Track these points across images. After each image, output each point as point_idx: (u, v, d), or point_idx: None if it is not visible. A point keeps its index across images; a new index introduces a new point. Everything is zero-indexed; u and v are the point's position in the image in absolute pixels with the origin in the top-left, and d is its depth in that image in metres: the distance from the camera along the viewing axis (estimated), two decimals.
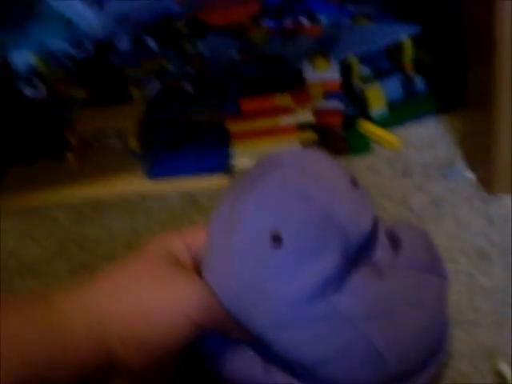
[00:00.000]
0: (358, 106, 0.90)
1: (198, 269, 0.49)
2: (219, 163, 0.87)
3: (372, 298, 0.47)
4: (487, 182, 0.75)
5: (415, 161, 0.82)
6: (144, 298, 0.44)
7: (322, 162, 0.46)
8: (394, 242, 0.52)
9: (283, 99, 0.84)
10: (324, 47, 0.99)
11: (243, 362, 0.49)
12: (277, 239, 0.42)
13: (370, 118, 0.88)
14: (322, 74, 0.86)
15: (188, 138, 0.92)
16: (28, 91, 1.07)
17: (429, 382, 0.52)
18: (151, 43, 1.15)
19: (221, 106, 0.93)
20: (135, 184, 0.88)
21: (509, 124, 0.69)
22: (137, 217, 0.82)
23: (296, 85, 0.88)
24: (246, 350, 0.49)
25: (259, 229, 0.43)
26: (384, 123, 0.87)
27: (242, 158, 0.86)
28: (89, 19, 1.19)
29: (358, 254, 0.47)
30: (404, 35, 0.89)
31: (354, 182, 0.47)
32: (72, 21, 1.23)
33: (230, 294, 0.46)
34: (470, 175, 0.78)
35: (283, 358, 0.47)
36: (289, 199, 0.43)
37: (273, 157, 0.47)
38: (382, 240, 0.50)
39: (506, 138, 0.70)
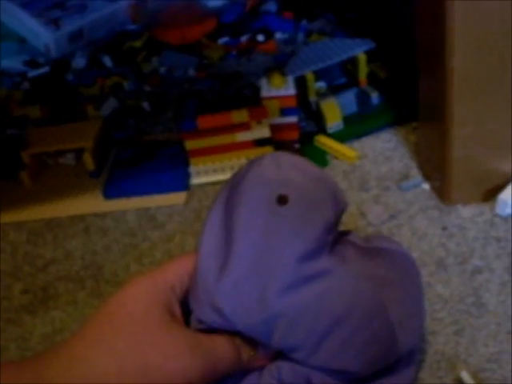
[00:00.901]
0: (314, 120, 0.91)
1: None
2: (177, 181, 0.86)
3: (366, 266, 0.51)
4: (442, 192, 0.75)
5: (371, 173, 0.82)
6: (147, 367, 0.42)
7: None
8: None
9: (240, 115, 0.84)
10: (280, 63, 1.00)
11: None
12: (282, 200, 0.46)
13: (326, 132, 0.88)
14: (278, 89, 0.86)
15: (145, 156, 0.92)
16: None
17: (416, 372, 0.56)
18: (106, 61, 1.14)
19: (177, 123, 0.93)
20: (91, 203, 0.86)
21: (462, 135, 0.71)
22: (93, 236, 0.81)
23: (252, 101, 0.88)
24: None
25: (264, 195, 0.47)
26: (340, 137, 0.88)
27: (200, 175, 0.86)
28: (43, 37, 1.18)
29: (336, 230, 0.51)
30: (359, 50, 0.90)
31: None
32: (26, 39, 1.22)
33: (238, 279, 0.46)
34: (425, 186, 0.78)
35: (291, 345, 0.47)
36: (285, 170, 0.48)
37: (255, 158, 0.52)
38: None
39: (459, 148, 0.71)
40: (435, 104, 0.73)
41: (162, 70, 1.10)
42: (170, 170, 0.87)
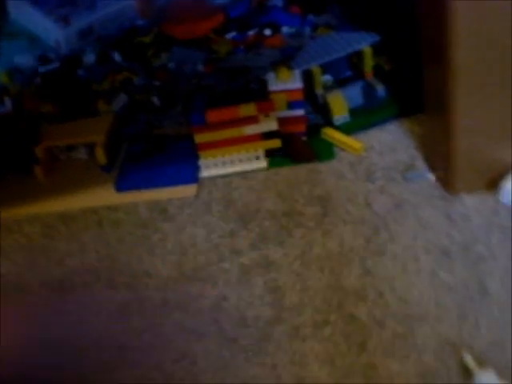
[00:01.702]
0: (321, 113, 0.92)
1: None
2: (187, 173, 0.88)
3: None
4: (447, 182, 0.77)
5: (377, 165, 0.84)
6: None
7: None
8: None
9: (248, 109, 0.85)
10: (287, 57, 1.01)
11: None
12: None
13: (332, 125, 0.90)
14: (285, 83, 0.87)
15: (156, 150, 0.93)
16: None
17: None
18: (117, 57, 1.16)
19: (187, 117, 0.95)
20: (104, 196, 0.88)
21: (465, 126, 0.72)
22: (106, 228, 0.83)
23: (260, 95, 0.89)
24: None
25: None
26: (346, 129, 0.89)
27: (209, 167, 0.88)
28: (54, 34, 1.20)
29: None
30: (364, 44, 0.92)
31: None
32: (38, 36, 1.24)
33: None
34: (430, 177, 0.80)
35: None
36: None
37: None
38: None
39: (463, 139, 0.73)
40: (439, 97, 0.74)
41: (171, 65, 1.12)
42: (181, 163, 0.89)
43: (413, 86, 0.84)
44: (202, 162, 0.88)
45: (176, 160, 0.90)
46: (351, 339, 0.64)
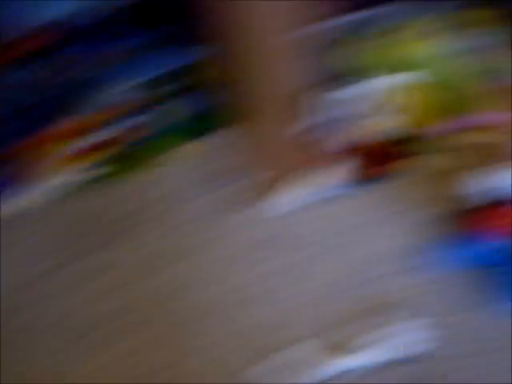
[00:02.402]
0: (157, 122, 0.96)
1: None
2: None
3: None
4: (263, 184, 0.85)
5: (203, 170, 0.91)
6: None
7: None
8: None
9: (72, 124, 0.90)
10: (110, 73, 1.04)
11: None
12: None
13: (165, 133, 0.96)
14: (112, 97, 0.92)
15: None
16: None
17: None
18: None
19: None
20: None
21: (270, 136, 0.81)
22: None
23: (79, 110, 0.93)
24: None
25: None
26: (175, 138, 0.95)
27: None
28: None
29: None
30: (188, 59, 0.97)
31: None
32: None
33: None
34: (248, 180, 0.87)
35: None
36: None
37: None
38: None
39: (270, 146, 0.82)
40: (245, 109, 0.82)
41: None
42: None
43: (233, 98, 0.90)
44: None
45: None
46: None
